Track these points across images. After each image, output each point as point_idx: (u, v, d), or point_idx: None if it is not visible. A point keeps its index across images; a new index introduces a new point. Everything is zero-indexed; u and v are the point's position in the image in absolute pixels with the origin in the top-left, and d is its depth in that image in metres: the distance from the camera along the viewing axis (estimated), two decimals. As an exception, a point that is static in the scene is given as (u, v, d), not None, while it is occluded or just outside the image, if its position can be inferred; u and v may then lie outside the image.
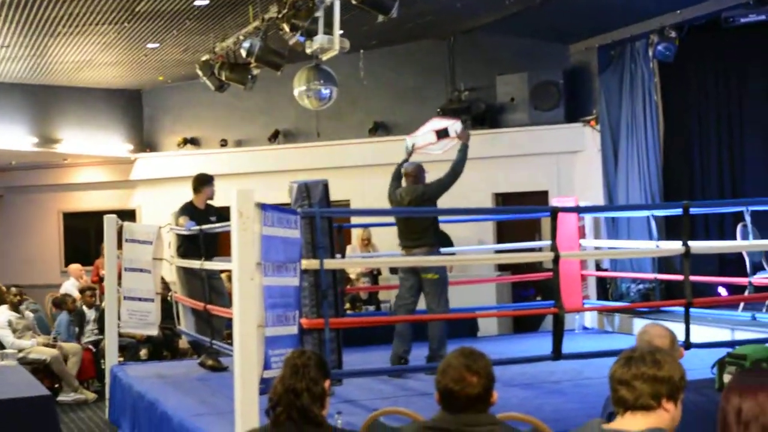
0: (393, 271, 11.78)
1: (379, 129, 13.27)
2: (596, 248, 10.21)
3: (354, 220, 11.91)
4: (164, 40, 11.46)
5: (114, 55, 12.21)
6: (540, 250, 10.37)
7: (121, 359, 9.61)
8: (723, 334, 8.02)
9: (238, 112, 14.07)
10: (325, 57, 8.04)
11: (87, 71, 13.09)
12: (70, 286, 11.96)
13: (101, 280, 10.88)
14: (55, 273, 14.60)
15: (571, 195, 10.81)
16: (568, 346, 6.65)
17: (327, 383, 3.21)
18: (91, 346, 10.41)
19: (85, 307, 10.77)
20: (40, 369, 9.56)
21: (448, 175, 7.39)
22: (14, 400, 6.43)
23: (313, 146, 13.38)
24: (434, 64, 13.03)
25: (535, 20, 11.27)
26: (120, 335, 9.22)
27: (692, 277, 6.76)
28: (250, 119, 14.08)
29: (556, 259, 6.39)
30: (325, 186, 6.47)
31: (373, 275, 12.05)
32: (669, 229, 10.28)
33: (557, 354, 6.41)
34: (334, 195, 6.79)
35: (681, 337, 6.32)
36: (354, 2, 7.29)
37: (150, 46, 11.73)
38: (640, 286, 10.08)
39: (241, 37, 9.38)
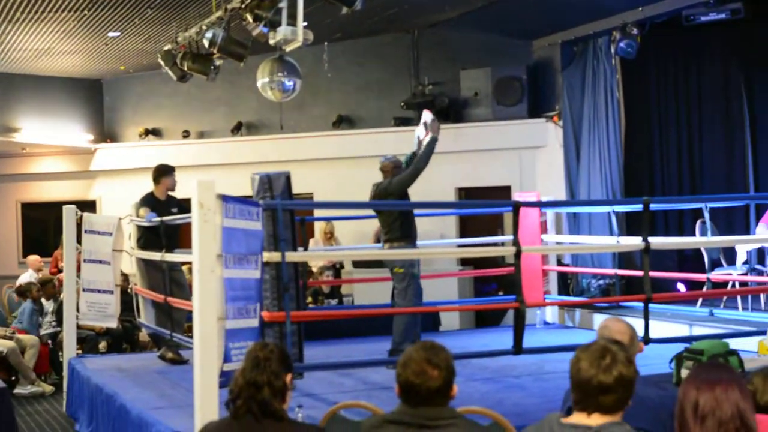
0: (356, 264, 11.78)
1: (343, 122, 13.24)
2: (558, 243, 10.28)
3: (317, 213, 11.88)
4: (125, 29, 11.32)
5: (74, 44, 12.04)
6: (502, 244, 10.42)
7: (80, 351, 9.49)
8: (681, 330, 8.12)
9: (200, 103, 13.96)
10: (288, 48, 7.99)
11: (46, 59, 12.90)
12: (28, 278, 11.79)
13: (60, 271, 10.75)
14: (12, 264, 14.40)
15: (534, 190, 10.88)
16: (529, 340, 6.69)
17: (289, 377, 3.19)
18: (48, 341, 10.27)
19: (43, 299, 10.62)
20: (-4, 361, 9.43)
21: (410, 170, 7.39)
22: (-31, 392, 6.33)
23: (277, 138, 13.32)
24: (398, 58, 13.02)
25: (499, 15, 11.31)
26: (79, 327, 9.13)
27: (652, 273, 6.82)
28: (213, 110, 13.98)
29: (517, 254, 6.41)
30: (288, 178, 6.44)
31: (336, 269, 12.03)
32: (629, 224, 10.38)
33: (518, 348, 6.44)
34: (297, 188, 6.76)
35: (640, 332, 6.38)
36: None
37: (111, 34, 11.59)
38: (601, 282, 10.18)
39: (204, 27, 9.29)
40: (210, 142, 13.91)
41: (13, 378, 9.60)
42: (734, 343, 5.91)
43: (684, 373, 5.09)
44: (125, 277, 10.06)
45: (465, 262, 11.86)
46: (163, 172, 8.16)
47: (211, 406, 4.51)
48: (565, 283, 10.68)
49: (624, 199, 11.00)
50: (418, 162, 7.41)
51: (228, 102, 13.81)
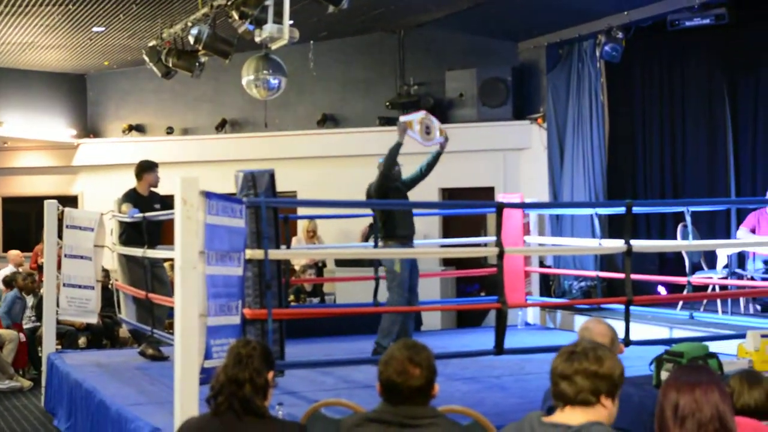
0: (338, 263, 11.78)
1: (328, 121, 13.23)
2: (540, 245, 10.32)
3: (301, 211, 11.86)
4: (110, 24, 11.27)
5: (58, 38, 11.97)
6: (485, 245, 10.44)
7: (59, 347, 9.44)
8: (661, 332, 8.16)
9: (184, 99, 13.91)
10: (274, 46, 7.97)
11: (30, 53, 12.82)
12: (9, 273, 11.70)
13: (40, 266, 10.68)
14: (-8, 259, 14.30)
15: (517, 192, 10.90)
16: (511, 341, 6.70)
17: (270, 374, 3.19)
18: (23, 334, 10.18)
19: (23, 293, 10.54)
20: (-25, 356, 9.36)
21: (379, 172, 7.56)
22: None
23: (261, 136, 13.29)
24: (384, 58, 13.02)
25: (485, 17, 11.33)
26: (58, 322, 9.07)
27: (633, 276, 6.85)
28: (197, 107, 13.94)
29: (500, 255, 6.42)
30: (272, 176, 6.42)
31: (318, 267, 12.02)
32: (612, 227, 10.43)
33: (499, 349, 6.45)
34: (281, 186, 6.75)
35: (621, 334, 6.40)
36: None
37: (95, 29, 11.53)
38: (582, 284, 10.22)
39: (190, 24, 9.27)
40: (194, 139, 13.87)
41: (-8, 373, 9.54)
42: (714, 346, 5.97)
43: (664, 375, 5.12)
44: (106, 272, 10.01)
45: (447, 262, 11.87)
46: (145, 168, 8.14)
47: (191, 402, 4.49)
48: (547, 285, 10.73)
49: (607, 201, 11.05)
50: (426, 170, 7.76)
51: (212, 99, 13.77)
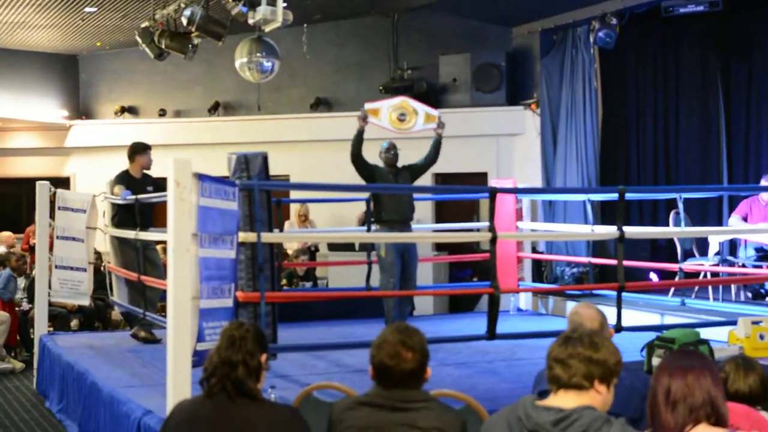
0: (331, 247, 11.77)
1: (321, 104, 13.20)
2: (533, 231, 10.33)
3: (293, 195, 11.83)
4: (102, 5, 11.20)
5: (50, 18, 11.89)
6: (478, 230, 10.44)
7: (51, 329, 9.42)
8: (653, 319, 8.18)
9: (177, 81, 13.86)
10: (267, 29, 7.96)
11: (21, 33, 12.74)
12: (2, 252, 11.66)
13: (32, 247, 10.64)
14: (-17, 240, 14.23)
15: (510, 177, 10.90)
16: (503, 326, 6.72)
17: (263, 357, 3.19)
18: (16, 311, 10.14)
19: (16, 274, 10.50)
20: (-34, 337, 9.33)
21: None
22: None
23: (254, 119, 13.26)
24: (377, 42, 12.98)
25: (479, 2, 11.32)
26: (50, 304, 9.04)
27: (625, 262, 6.86)
28: (190, 90, 13.89)
29: (493, 240, 6.43)
30: (265, 159, 6.40)
31: (311, 252, 12.02)
32: (604, 213, 10.45)
33: (492, 334, 6.46)
34: (274, 170, 6.72)
35: (613, 320, 6.43)
36: (299, -26, 7.22)
37: (88, 10, 11.46)
38: (575, 270, 10.24)
39: (183, 5, 9.21)
40: (186, 122, 13.82)
41: (-17, 354, 9.52)
42: (705, 333, 6.00)
43: (655, 361, 5.15)
44: (98, 255, 9.98)
45: (440, 247, 11.86)
46: (137, 150, 8.10)
47: (183, 385, 4.49)
48: (539, 271, 10.75)
49: (599, 187, 11.07)
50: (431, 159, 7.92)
51: (205, 81, 13.73)
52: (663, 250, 10.69)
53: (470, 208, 12.01)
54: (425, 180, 12.11)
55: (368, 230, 8.56)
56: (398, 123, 7.59)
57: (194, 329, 4.64)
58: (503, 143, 12.30)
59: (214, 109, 13.59)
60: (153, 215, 7.93)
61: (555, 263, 10.61)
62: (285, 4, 7.59)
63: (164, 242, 7.30)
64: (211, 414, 3.09)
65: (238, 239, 5.25)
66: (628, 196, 7.44)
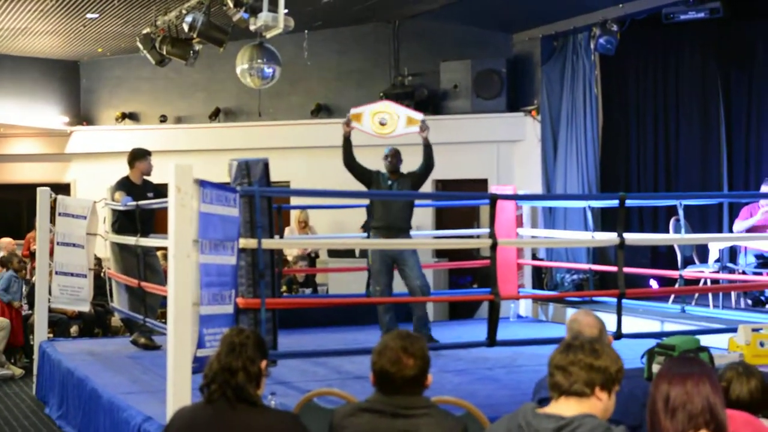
0: (331, 254, 11.78)
1: (322, 111, 13.20)
2: (533, 237, 10.32)
3: (293, 201, 11.84)
4: (104, 11, 11.22)
5: (51, 24, 11.91)
6: (478, 237, 10.44)
7: (51, 335, 9.42)
8: (653, 326, 8.18)
9: (178, 88, 13.86)
10: (269, 35, 7.97)
11: (23, 39, 12.76)
12: (5, 254, 11.65)
13: (33, 254, 10.64)
14: (-16, 246, 14.23)
15: (510, 184, 10.90)
16: (503, 333, 6.72)
17: (264, 363, 3.19)
18: (21, 309, 10.11)
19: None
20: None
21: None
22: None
23: (255, 126, 13.26)
24: (378, 48, 13.00)
25: (480, 8, 11.32)
26: (50, 311, 9.04)
27: (625, 269, 6.87)
28: (191, 96, 13.89)
29: (493, 246, 6.43)
30: (266, 165, 6.41)
31: (311, 258, 12.01)
32: (604, 220, 10.44)
33: (492, 341, 6.46)
34: (274, 176, 6.73)
35: (613, 327, 6.43)
36: (301, -19, 7.24)
37: (89, 16, 11.47)
38: (575, 276, 10.24)
39: (184, 11, 9.25)
40: (187, 128, 13.82)
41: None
42: (705, 340, 5.98)
43: (655, 368, 5.14)
44: (99, 261, 9.98)
45: (440, 253, 11.87)
46: (138, 156, 8.10)
47: (183, 391, 4.49)
48: (540, 277, 10.74)
49: (600, 194, 11.06)
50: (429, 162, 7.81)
51: (206, 88, 13.73)
52: (663, 256, 10.70)
53: (470, 214, 12.02)
54: (425, 186, 12.14)
55: (368, 237, 8.56)
56: (379, 127, 7.57)
57: (194, 335, 4.64)
58: (504, 149, 12.31)
59: (215, 115, 13.60)
60: (153, 221, 7.93)
61: (555, 270, 10.60)
62: (286, 11, 7.61)
63: (165, 248, 7.32)
64: (211, 420, 3.09)
65: (238, 245, 5.25)
66: (629, 202, 7.44)
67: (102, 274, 9.44)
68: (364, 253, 9.61)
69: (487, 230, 6.63)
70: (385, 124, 7.56)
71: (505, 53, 12.28)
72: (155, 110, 14.05)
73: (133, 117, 14.20)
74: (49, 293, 8.59)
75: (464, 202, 11.14)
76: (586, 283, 9.85)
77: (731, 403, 3.32)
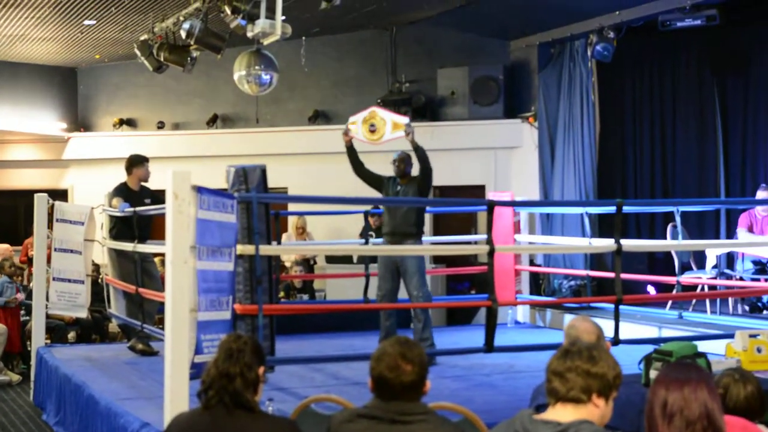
0: (329, 260, 11.77)
1: (319, 117, 13.22)
2: (530, 243, 10.33)
3: (291, 208, 11.84)
4: (102, 18, 11.23)
5: (49, 31, 11.93)
6: (476, 243, 10.45)
7: (48, 341, 9.41)
8: (650, 331, 8.19)
9: (176, 94, 13.88)
10: (266, 42, 7.98)
11: (20, 46, 12.77)
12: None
13: (30, 259, 10.64)
14: (-19, 252, 14.21)
15: (508, 190, 10.92)
16: (501, 339, 6.71)
17: (261, 369, 3.19)
18: (18, 312, 10.09)
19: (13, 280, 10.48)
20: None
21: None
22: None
23: (252, 132, 13.27)
24: (376, 55, 13.02)
25: (477, 15, 11.35)
26: (48, 317, 9.03)
27: (623, 275, 6.87)
28: (189, 102, 13.91)
29: (491, 253, 6.43)
30: (263, 171, 6.41)
31: (309, 264, 12.01)
32: (602, 226, 10.46)
33: (489, 347, 6.46)
34: (271, 182, 6.74)
35: (610, 333, 6.43)
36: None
37: (87, 22, 11.49)
38: (572, 283, 10.25)
39: (182, 18, 9.25)
40: (185, 134, 13.83)
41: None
42: (702, 346, 5.99)
43: (653, 374, 5.14)
44: (96, 267, 9.97)
45: (438, 259, 11.88)
46: (135, 162, 8.11)
47: (181, 397, 4.48)
48: (537, 283, 10.75)
49: (597, 200, 11.09)
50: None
51: (204, 94, 13.75)
52: (660, 263, 10.71)
53: (468, 220, 12.03)
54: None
55: (366, 243, 8.56)
56: (370, 135, 7.57)
57: (192, 341, 4.64)
58: (501, 156, 12.33)
59: (212, 121, 13.61)
60: (151, 228, 7.93)
61: (553, 276, 10.62)
62: (284, 18, 7.62)
63: (162, 254, 7.31)
64: (208, 426, 3.09)
65: (236, 252, 5.25)
66: (626, 209, 7.45)
67: (99, 280, 9.43)
68: (361, 260, 9.61)
69: (484, 236, 6.63)
70: (375, 131, 7.55)
71: (503, 60, 12.30)
72: (153, 116, 14.07)
73: (130, 123, 14.20)
74: (47, 299, 8.58)
75: (462, 208, 11.18)
76: (584, 289, 9.86)
77: (728, 409, 3.32)
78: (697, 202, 10.35)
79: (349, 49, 13.22)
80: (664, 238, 9.57)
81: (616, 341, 6.47)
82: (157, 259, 8.49)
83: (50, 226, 8.57)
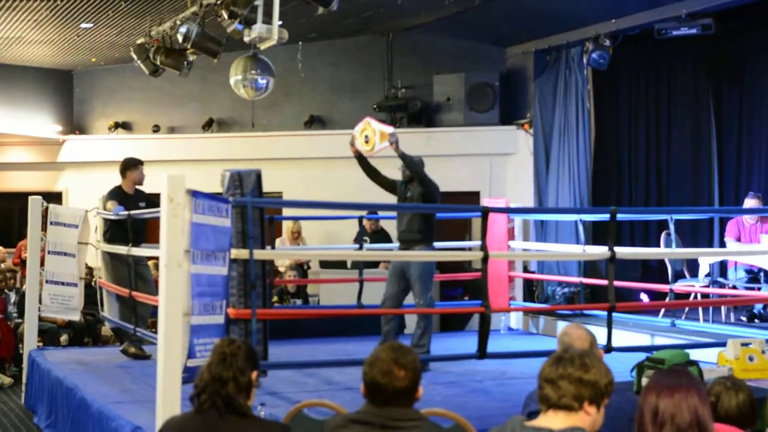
0: (323, 265, 11.78)
1: (315, 122, 13.22)
2: (524, 250, 10.34)
3: (285, 212, 11.85)
4: (98, 21, 11.23)
5: (45, 33, 11.91)
6: (470, 250, 10.46)
7: (41, 344, 9.39)
8: (643, 339, 8.20)
9: (172, 98, 13.87)
10: (263, 46, 7.98)
11: (16, 48, 12.75)
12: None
13: (24, 262, 10.62)
14: (-26, 254, 14.18)
15: (503, 197, 10.93)
16: (493, 345, 6.72)
17: (254, 374, 3.19)
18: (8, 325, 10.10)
19: (5, 290, 10.48)
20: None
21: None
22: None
23: (248, 136, 13.27)
24: (372, 61, 13.04)
25: (473, 22, 11.37)
26: (40, 319, 9.01)
27: (616, 283, 6.88)
28: (184, 106, 13.90)
29: (485, 259, 6.44)
30: (258, 176, 6.42)
31: (302, 269, 12.01)
32: (596, 234, 10.48)
33: (482, 353, 6.47)
34: (267, 187, 6.75)
35: (603, 340, 6.44)
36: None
37: (83, 26, 11.48)
38: (566, 290, 10.26)
39: (179, 22, 9.26)
40: (180, 138, 13.82)
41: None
42: (695, 354, 6.01)
43: (645, 381, 5.14)
44: (89, 270, 9.96)
45: (432, 266, 11.87)
46: (130, 166, 8.10)
47: (173, 401, 4.48)
48: (531, 290, 10.76)
49: (591, 208, 11.10)
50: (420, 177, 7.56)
51: (200, 98, 13.74)
52: (654, 270, 10.72)
53: (462, 227, 12.04)
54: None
55: (360, 248, 8.55)
56: (365, 145, 7.56)
57: (185, 345, 4.64)
58: (496, 162, 12.35)
59: (208, 125, 13.61)
60: (145, 231, 7.92)
61: (546, 283, 10.63)
62: (280, 23, 7.62)
63: (156, 258, 7.31)
64: (200, 430, 3.09)
65: (230, 256, 5.26)
66: (620, 216, 7.47)
67: (93, 283, 9.41)
68: (355, 265, 9.60)
69: (478, 243, 6.65)
70: (368, 141, 7.55)
71: (499, 67, 12.33)
72: (148, 120, 14.05)
73: (126, 126, 14.19)
74: (40, 302, 8.57)
75: (456, 214, 11.18)
76: (577, 297, 9.88)
77: (720, 418, 3.33)
78: (691, 210, 10.36)
79: (346, 55, 13.24)
80: (658, 245, 9.58)
81: (608, 349, 6.48)
82: (150, 263, 8.49)
83: (44, 228, 8.57)
